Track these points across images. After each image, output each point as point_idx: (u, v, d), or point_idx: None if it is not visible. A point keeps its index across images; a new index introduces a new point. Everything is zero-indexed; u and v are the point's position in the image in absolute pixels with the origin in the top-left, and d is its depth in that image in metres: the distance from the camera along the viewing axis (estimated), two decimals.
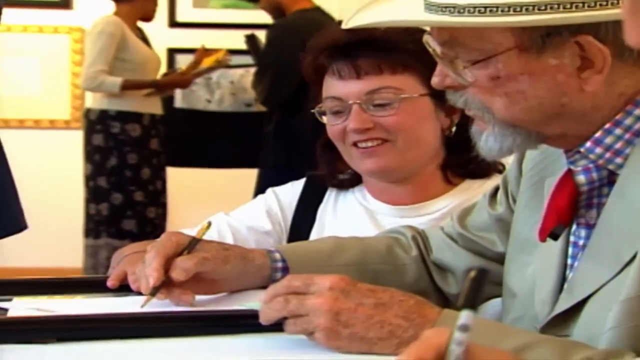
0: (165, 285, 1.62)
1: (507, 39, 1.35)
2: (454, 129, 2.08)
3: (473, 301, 0.94)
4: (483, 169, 2.11)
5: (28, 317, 1.51)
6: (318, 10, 5.16)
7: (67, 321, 1.49)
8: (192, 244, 1.67)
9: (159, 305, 1.61)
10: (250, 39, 5.46)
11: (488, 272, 0.97)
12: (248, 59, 5.70)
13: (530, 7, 1.30)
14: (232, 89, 5.83)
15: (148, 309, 1.58)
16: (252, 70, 5.68)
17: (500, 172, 2.12)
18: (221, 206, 2.25)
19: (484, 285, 0.95)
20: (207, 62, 5.82)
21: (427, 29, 1.45)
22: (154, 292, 1.60)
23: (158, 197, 5.76)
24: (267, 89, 5.11)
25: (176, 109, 5.90)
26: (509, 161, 2.04)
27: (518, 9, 1.30)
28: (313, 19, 4.94)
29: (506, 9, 1.31)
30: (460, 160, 2.10)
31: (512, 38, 1.35)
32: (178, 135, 5.88)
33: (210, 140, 5.89)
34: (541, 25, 1.32)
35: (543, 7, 1.30)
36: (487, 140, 1.43)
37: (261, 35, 5.47)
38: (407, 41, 1.99)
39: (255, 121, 5.73)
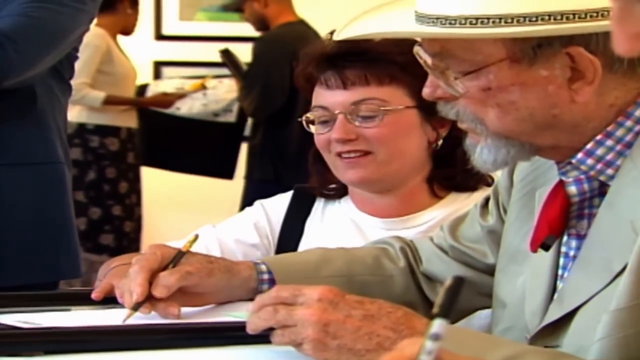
0: (149, 299, 1.61)
1: (498, 50, 1.36)
2: (440, 142, 2.08)
3: (448, 310, 0.93)
4: (470, 182, 2.11)
5: (15, 330, 1.50)
6: (302, 23, 5.20)
7: (54, 334, 1.48)
8: (178, 257, 1.67)
9: (145, 317, 1.60)
10: (225, 54, 5.48)
11: (465, 280, 0.96)
12: (226, 71, 5.72)
13: (522, 19, 1.31)
14: (203, 99, 5.83)
15: (135, 321, 1.57)
16: (226, 81, 5.70)
17: (489, 185, 2.12)
18: (196, 217, 2.25)
19: (460, 294, 0.94)
20: (193, 86, 5.84)
21: (418, 40, 1.46)
22: (136, 307, 1.59)
23: (133, 211, 5.76)
24: (256, 101, 5.13)
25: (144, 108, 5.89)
26: (498, 174, 2.05)
27: (509, 21, 1.31)
28: (299, 32, 4.97)
29: (497, 21, 1.31)
30: (447, 174, 2.10)
31: (504, 49, 1.36)
32: (145, 133, 5.86)
33: (175, 144, 5.89)
34: (532, 36, 1.33)
35: (534, 19, 1.31)
36: (481, 153, 1.44)
37: (246, 48, 5.49)
38: (395, 53, 2.00)
39: (221, 131, 5.75)
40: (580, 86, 1.36)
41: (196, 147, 5.86)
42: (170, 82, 6.03)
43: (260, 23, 5.32)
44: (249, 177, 5.38)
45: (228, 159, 5.85)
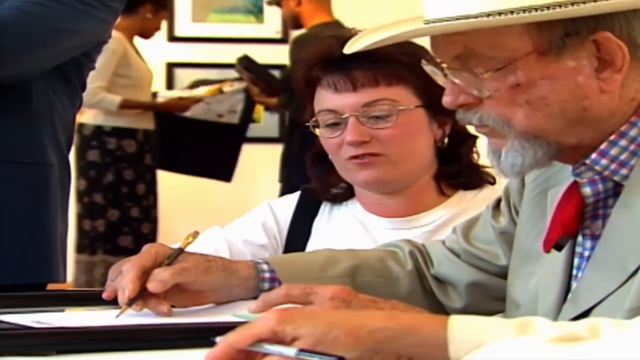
0: (143, 296, 1.61)
1: (525, 43, 1.34)
2: (446, 139, 2.08)
3: None
4: (475, 179, 2.11)
5: (27, 330, 1.50)
6: (337, 24, 5.17)
7: (66, 334, 1.48)
8: (175, 255, 1.67)
9: (160, 317, 1.60)
10: (245, 60, 5.47)
11: None
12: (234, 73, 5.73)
13: (545, 8, 1.29)
14: (208, 99, 5.82)
15: (149, 321, 1.57)
16: (236, 84, 5.68)
17: (491, 183, 2.12)
18: (212, 221, 2.24)
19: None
20: (209, 92, 5.83)
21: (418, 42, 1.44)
22: (130, 302, 1.59)
23: (150, 213, 5.77)
24: (300, 106, 5.13)
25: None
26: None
27: (532, 11, 1.29)
28: None
29: (520, 12, 1.30)
30: (452, 171, 2.10)
31: (530, 42, 1.34)
32: (158, 136, 5.87)
33: (181, 145, 5.88)
34: (556, 18, 1.31)
35: (557, 7, 1.29)
36: (507, 156, 1.40)
37: (259, 49, 5.50)
38: (399, 53, 1.99)
39: (222, 132, 5.73)
40: (609, 75, 1.35)
41: (198, 148, 5.83)
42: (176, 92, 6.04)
43: (294, 22, 5.36)
44: (287, 182, 5.33)
45: (228, 160, 5.81)
